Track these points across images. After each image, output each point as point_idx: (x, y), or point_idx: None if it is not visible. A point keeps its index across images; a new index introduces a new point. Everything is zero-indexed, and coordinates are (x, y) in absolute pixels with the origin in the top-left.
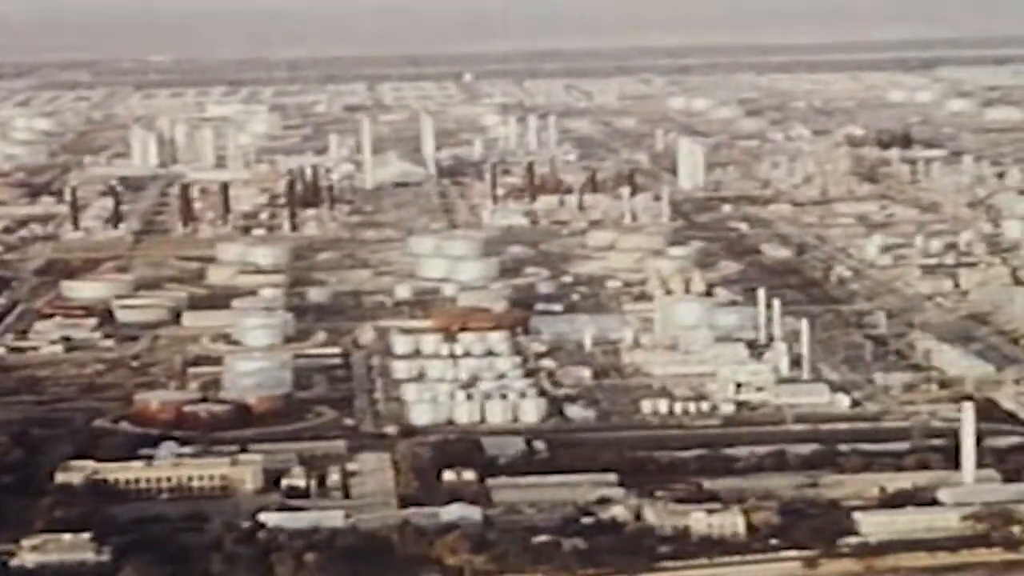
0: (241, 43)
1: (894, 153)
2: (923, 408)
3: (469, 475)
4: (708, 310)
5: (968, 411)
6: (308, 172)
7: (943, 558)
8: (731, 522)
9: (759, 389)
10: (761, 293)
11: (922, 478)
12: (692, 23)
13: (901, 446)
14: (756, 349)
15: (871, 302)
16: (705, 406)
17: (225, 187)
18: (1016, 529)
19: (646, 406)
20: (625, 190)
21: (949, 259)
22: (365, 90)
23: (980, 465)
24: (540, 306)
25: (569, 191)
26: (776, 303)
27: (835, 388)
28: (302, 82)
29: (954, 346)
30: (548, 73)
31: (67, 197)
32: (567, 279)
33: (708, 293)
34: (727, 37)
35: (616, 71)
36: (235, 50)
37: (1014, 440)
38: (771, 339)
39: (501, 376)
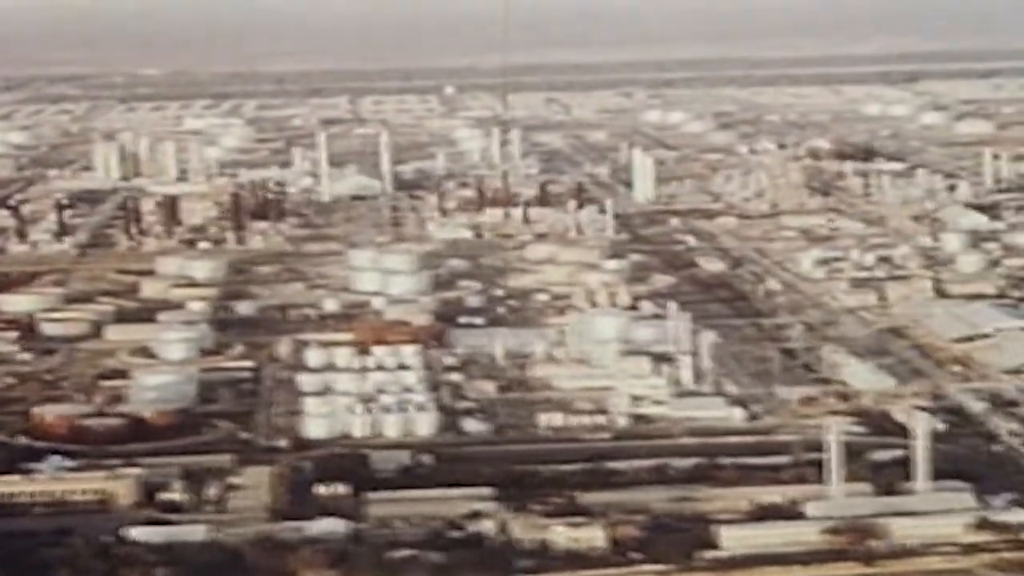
0: (239, 56)
1: (849, 166)
2: (818, 422)
3: (342, 489)
4: (625, 324)
5: (834, 425)
6: (264, 185)
7: (797, 572)
8: (592, 536)
9: (657, 403)
10: (672, 306)
11: (796, 492)
12: (685, 36)
13: (783, 459)
14: (662, 363)
15: (793, 315)
16: (602, 419)
17: (173, 200)
18: (875, 543)
19: (542, 420)
20: (571, 203)
21: (881, 272)
22: (347, 103)
23: (858, 479)
24: (463, 319)
25: (519, 204)
26: (685, 316)
27: (733, 402)
28: (287, 95)
29: (863, 360)
30: (533, 86)
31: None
32: (498, 292)
33: (633, 307)
34: (718, 50)
35: (601, 84)
36: (231, 63)
37: (897, 453)
38: (682, 353)
39: (406, 390)
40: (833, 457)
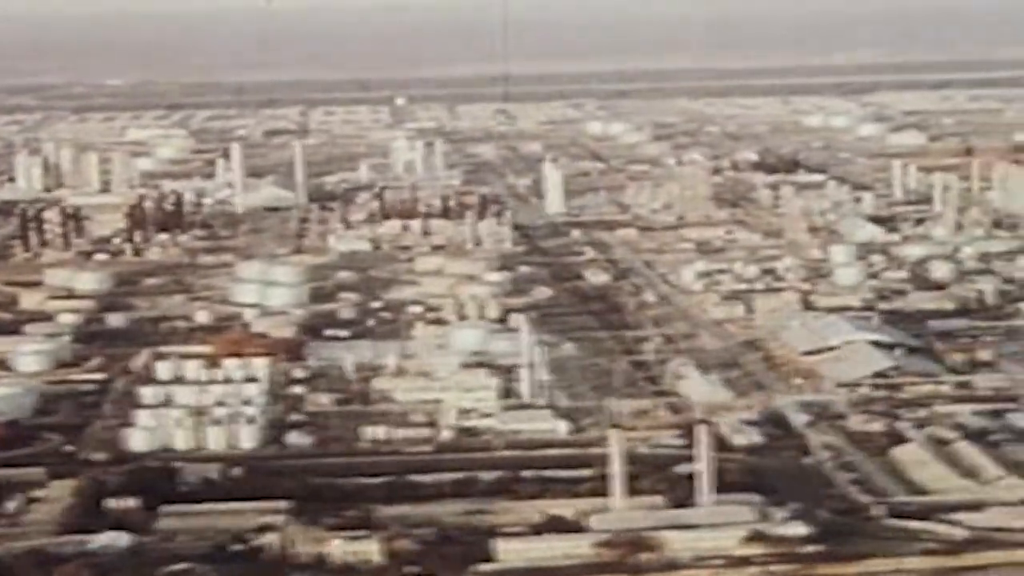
0: (212, 67)
1: (761, 178)
2: (643, 435)
3: (133, 502)
4: (482, 337)
5: (616, 438)
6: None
7: None
8: (369, 549)
9: (485, 415)
10: (522, 319)
11: (587, 505)
12: (653, 47)
13: (588, 472)
14: (502, 376)
15: (657, 328)
16: (426, 432)
17: (77, 212)
18: (646, 556)
19: (366, 433)
20: (470, 215)
21: (760, 285)
22: (298, 115)
23: (657, 492)
24: (328, 332)
25: (420, 216)
26: (545, 329)
27: (561, 415)
28: (242, 106)
29: (708, 373)
30: (488, 97)
31: None
32: (376, 305)
33: (501, 320)
34: (683, 61)
35: (557, 95)
36: (201, 74)
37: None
38: (527, 366)
39: (244, 402)
40: (616, 470)
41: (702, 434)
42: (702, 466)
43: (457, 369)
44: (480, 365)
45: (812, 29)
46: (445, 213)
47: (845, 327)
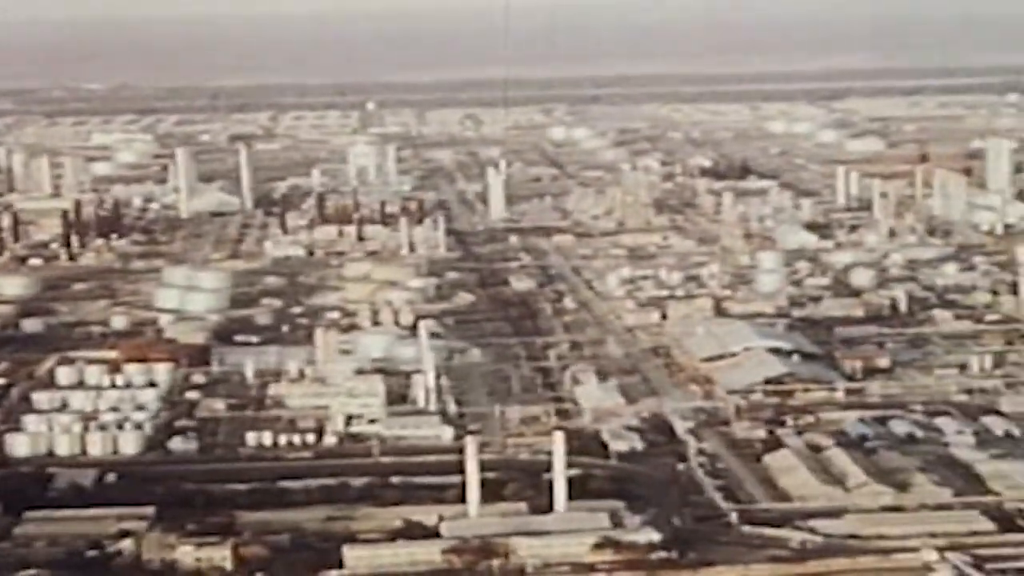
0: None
1: (703, 184)
2: (529, 441)
3: None
4: (389, 343)
5: (471, 444)
6: (135, 201)
7: None
8: (219, 556)
9: (371, 421)
10: (423, 326)
11: (447, 511)
12: (635, 53)
13: (458, 479)
14: (398, 382)
15: (569, 334)
16: (311, 438)
17: (15, 216)
18: (495, 562)
19: (251, 438)
20: (403, 221)
21: (681, 291)
22: (267, 119)
23: (520, 497)
24: (240, 338)
25: (355, 222)
26: (454, 335)
27: (450, 420)
28: (214, 111)
29: (607, 379)
30: (462, 102)
31: None
32: (296, 310)
33: (414, 326)
34: (662, 67)
35: (526, 100)
36: (182, 78)
37: (573, 472)
38: (426, 372)
39: (139, 408)
40: (472, 477)
41: (558, 441)
42: (558, 473)
43: (351, 375)
44: (381, 371)
45: (795, 35)
46: (383, 219)
47: (748, 334)
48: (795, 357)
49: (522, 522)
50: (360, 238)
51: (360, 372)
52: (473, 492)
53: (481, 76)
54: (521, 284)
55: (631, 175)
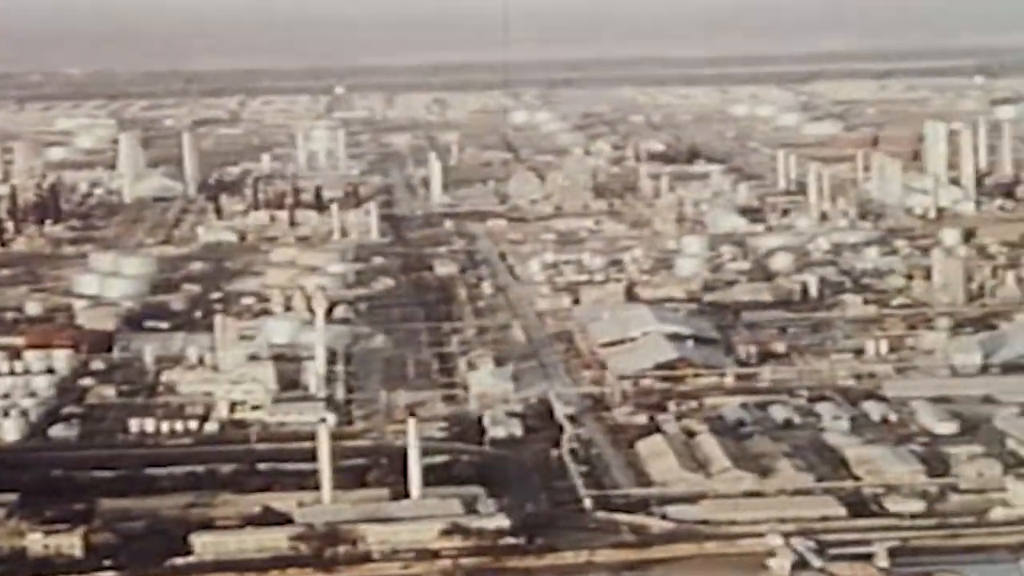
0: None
1: (646, 168)
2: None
3: None
4: (294, 329)
5: (322, 431)
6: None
7: None
8: (68, 543)
9: (255, 408)
10: (319, 311)
11: (307, 497)
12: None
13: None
14: (289, 368)
15: (479, 319)
16: (193, 425)
17: None
18: (342, 549)
19: (134, 425)
20: (334, 206)
21: (601, 276)
22: (236, 104)
23: (383, 484)
24: (150, 323)
25: (300, 206)
26: (361, 321)
27: (337, 407)
28: (185, 95)
29: (503, 365)
30: (433, 86)
31: None
32: (214, 296)
33: (329, 311)
34: (639, 49)
35: (499, 84)
36: (161, 62)
37: (441, 459)
38: (319, 358)
39: (30, 394)
40: (324, 464)
41: (412, 429)
42: (413, 460)
43: (244, 362)
44: (280, 358)
45: (777, 18)
46: (318, 204)
47: (648, 319)
48: (689, 342)
49: (374, 509)
50: (292, 223)
51: (254, 358)
52: (326, 479)
53: (458, 59)
54: (444, 269)
55: (571, 159)
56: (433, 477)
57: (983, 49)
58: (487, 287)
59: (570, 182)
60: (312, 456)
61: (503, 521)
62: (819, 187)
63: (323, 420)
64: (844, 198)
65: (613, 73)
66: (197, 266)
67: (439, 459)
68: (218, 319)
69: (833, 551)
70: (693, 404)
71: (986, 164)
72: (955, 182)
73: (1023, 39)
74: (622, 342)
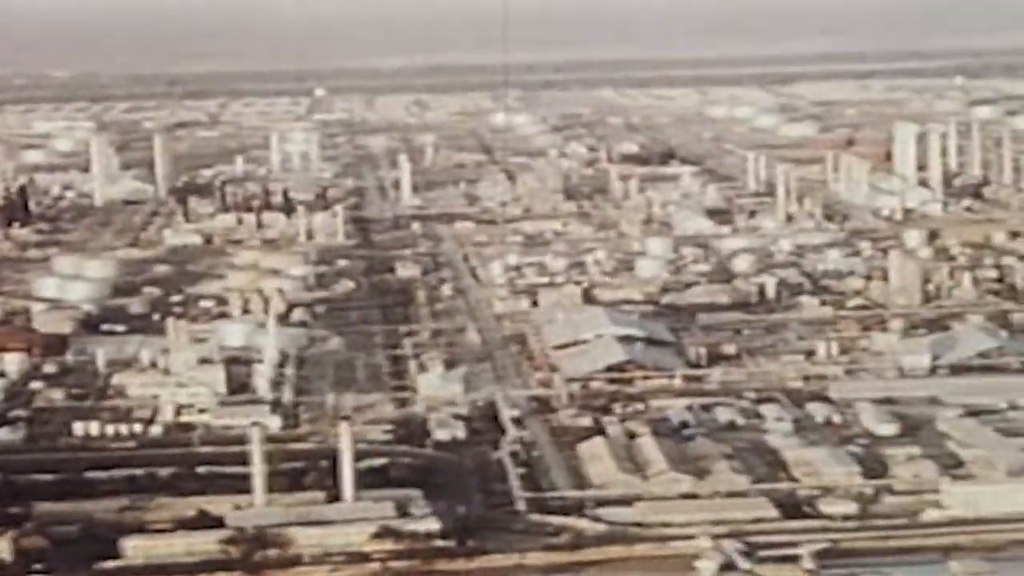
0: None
1: (616, 170)
2: (356, 430)
3: None
4: (249, 332)
5: (256, 433)
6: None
7: None
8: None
9: (202, 411)
10: (272, 313)
11: (242, 500)
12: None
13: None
14: (240, 371)
15: (436, 322)
16: (138, 428)
17: None
18: (272, 552)
19: (78, 428)
20: (301, 209)
21: (562, 278)
22: (216, 106)
23: (320, 487)
24: (106, 327)
25: (254, 210)
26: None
27: (284, 410)
28: (166, 98)
29: (455, 368)
30: (422, 88)
31: None
32: (174, 299)
33: (286, 314)
34: (624, 52)
35: (480, 86)
36: (147, 65)
37: (380, 461)
38: (270, 361)
39: None
40: (257, 467)
41: (344, 432)
42: (346, 462)
43: (194, 365)
44: (234, 360)
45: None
46: (286, 207)
47: (602, 321)
48: (639, 345)
49: (306, 512)
50: (259, 226)
51: (205, 362)
52: (258, 482)
53: (443, 61)
54: (405, 272)
55: (542, 162)
56: (372, 480)
57: (967, 50)
58: (447, 290)
59: (540, 184)
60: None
61: (434, 524)
62: (787, 189)
63: (255, 423)
64: (811, 199)
65: (598, 75)
66: (160, 269)
67: (378, 462)
68: (170, 322)
69: (763, 553)
70: (639, 406)
71: (956, 165)
72: (925, 183)
73: (1006, 40)
74: (575, 344)
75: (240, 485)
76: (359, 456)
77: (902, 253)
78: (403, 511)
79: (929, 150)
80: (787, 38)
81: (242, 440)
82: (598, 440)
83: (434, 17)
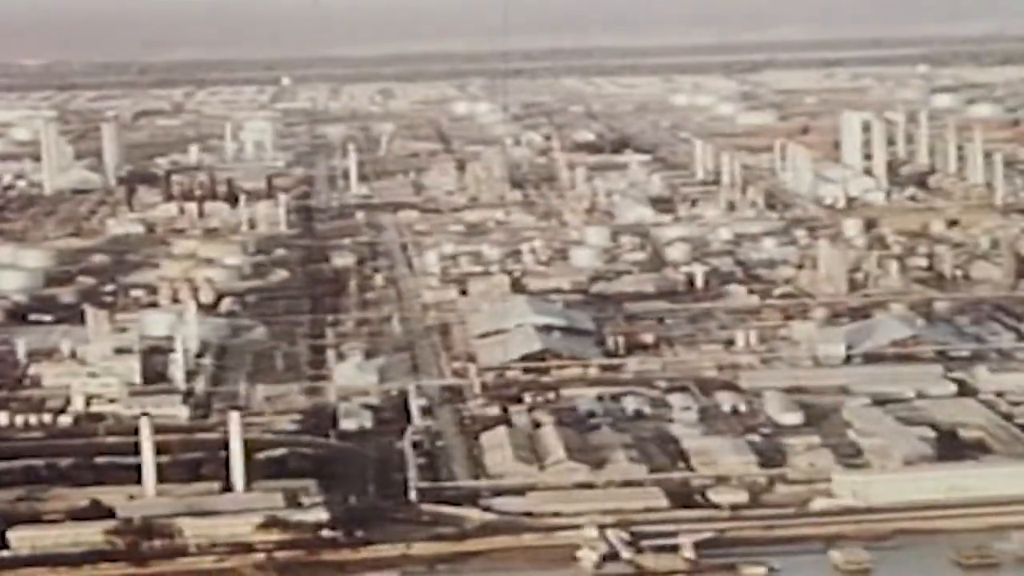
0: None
1: (563, 158)
2: (265, 420)
3: None
4: (172, 322)
5: (145, 425)
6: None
7: (63, 573)
8: None
9: (111, 401)
10: (191, 303)
11: (137, 491)
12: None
13: (166, 459)
14: (155, 360)
15: (361, 311)
16: (48, 418)
17: None
18: (158, 543)
19: None
20: (243, 198)
21: (496, 267)
22: (182, 95)
23: (215, 478)
24: (34, 316)
25: (198, 199)
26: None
27: (193, 400)
28: (133, 87)
29: (374, 358)
30: (390, 77)
31: None
32: (107, 288)
33: (215, 304)
34: (600, 40)
35: (448, 74)
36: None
37: (280, 452)
38: (186, 351)
39: None
40: (147, 456)
41: (234, 422)
42: (235, 452)
43: (110, 355)
44: (154, 351)
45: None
46: (230, 196)
47: (524, 310)
48: (557, 334)
49: (197, 502)
50: (201, 215)
51: (121, 351)
52: (149, 472)
53: (412, 50)
54: (341, 261)
55: (491, 150)
56: (271, 471)
57: (937, 38)
58: (379, 279)
59: (487, 173)
60: (158, 450)
61: (323, 514)
62: (731, 177)
63: (144, 414)
64: (754, 188)
65: (570, 63)
66: (98, 259)
67: (278, 452)
68: (89, 312)
69: (649, 543)
70: (551, 395)
71: (906, 154)
72: (870, 172)
73: (975, 28)
74: (496, 334)
75: (135, 475)
76: (260, 447)
77: (830, 242)
78: (293, 502)
79: (873, 139)
80: (761, 26)
81: (156, 430)
82: (501, 430)
83: (406, 6)
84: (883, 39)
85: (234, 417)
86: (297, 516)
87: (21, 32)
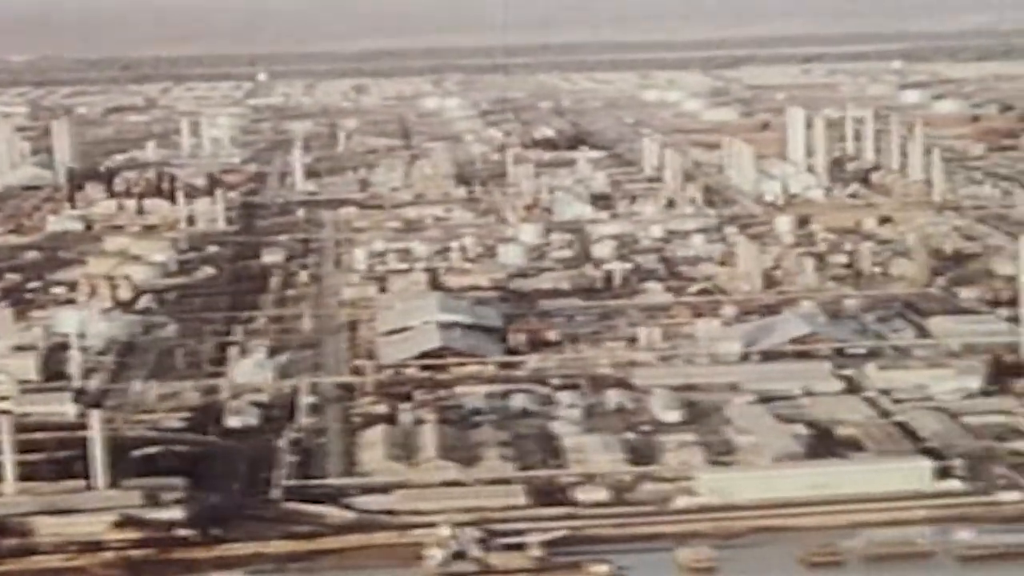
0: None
1: (511, 155)
2: (156, 417)
3: None
4: (85, 319)
5: (4, 423)
6: None
7: None
8: None
9: (3, 398)
10: (96, 301)
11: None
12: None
13: (41, 456)
14: (54, 358)
15: (277, 308)
16: None
17: None
18: (12, 541)
19: None
20: (180, 194)
21: (423, 264)
22: (158, 91)
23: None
24: None
25: (135, 196)
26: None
27: (89, 397)
28: (113, 82)
29: (277, 355)
30: (368, 73)
31: None
32: (32, 285)
33: (132, 302)
34: (584, 35)
35: (425, 70)
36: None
37: (155, 450)
38: (90, 349)
39: None
40: (7, 454)
41: (94, 420)
42: (96, 451)
43: (8, 352)
44: (61, 348)
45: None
46: (170, 192)
47: (431, 307)
48: (457, 331)
49: (56, 500)
50: (140, 212)
51: (22, 348)
52: (8, 470)
53: (392, 46)
54: (269, 258)
55: (440, 146)
56: (142, 468)
57: (917, 34)
58: (304, 276)
59: (434, 170)
60: (35, 447)
61: (178, 513)
62: (675, 174)
63: (5, 412)
64: (695, 185)
65: (549, 59)
66: (31, 255)
67: (153, 450)
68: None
69: (503, 540)
70: (443, 393)
71: (854, 150)
72: (813, 169)
73: (955, 24)
74: (402, 331)
75: (18, 473)
76: (137, 444)
77: (749, 239)
78: (152, 500)
79: (815, 136)
80: (742, 22)
81: (41, 427)
82: (379, 428)
83: (388, 1)
84: (866, 34)
85: (95, 415)
86: (153, 514)
87: (8, 28)
